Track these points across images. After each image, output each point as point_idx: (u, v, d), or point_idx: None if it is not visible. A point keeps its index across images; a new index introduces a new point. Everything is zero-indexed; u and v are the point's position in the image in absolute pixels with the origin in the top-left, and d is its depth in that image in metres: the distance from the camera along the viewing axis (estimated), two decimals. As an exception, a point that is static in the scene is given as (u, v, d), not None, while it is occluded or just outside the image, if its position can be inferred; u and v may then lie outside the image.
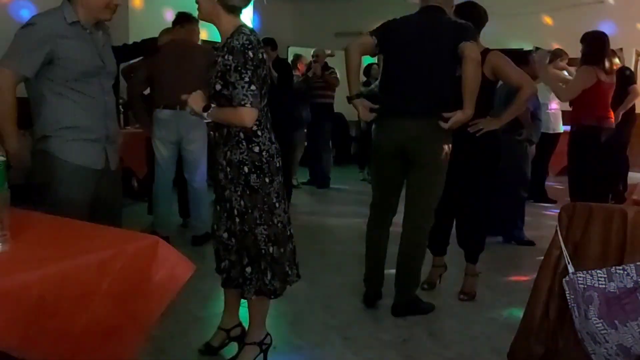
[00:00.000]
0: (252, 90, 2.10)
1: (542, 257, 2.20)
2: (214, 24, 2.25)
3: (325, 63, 7.18)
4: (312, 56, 7.17)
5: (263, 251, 2.27)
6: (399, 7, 3.10)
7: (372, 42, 2.98)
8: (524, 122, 4.42)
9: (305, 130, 7.16)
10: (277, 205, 2.28)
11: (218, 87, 2.19)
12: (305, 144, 7.39)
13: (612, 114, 4.68)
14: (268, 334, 2.49)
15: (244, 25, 2.23)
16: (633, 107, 5.89)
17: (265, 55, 2.21)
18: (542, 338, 2.19)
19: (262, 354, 2.46)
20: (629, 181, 5.93)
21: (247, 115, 2.12)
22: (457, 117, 2.84)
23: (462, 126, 2.98)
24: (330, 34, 10.49)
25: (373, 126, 3.28)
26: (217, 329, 2.57)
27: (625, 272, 1.94)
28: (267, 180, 2.24)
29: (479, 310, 3.21)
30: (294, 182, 7.06)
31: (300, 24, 10.80)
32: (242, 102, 2.10)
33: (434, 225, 3.37)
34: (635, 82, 5.77)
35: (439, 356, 2.64)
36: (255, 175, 2.22)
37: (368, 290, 3.22)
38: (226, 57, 2.15)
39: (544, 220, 5.33)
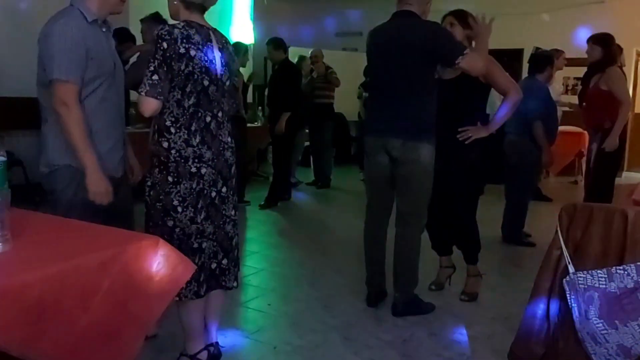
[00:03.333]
0: (152, 80, 2.05)
1: (543, 258, 2.21)
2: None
3: (323, 63, 7.20)
4: (311, 57, 7.18)
5: None
6: (399, 7, 3.09)
7: None
8: (538, 139, 4.40)
9: (307, 131, 7.17)
10: (178, 209, 2.15)
11: None
12: (307, 144, 7.39)
13: None
14: (207, 348, 2.36)
15: (193, 21, 2.14)
16: None
17: (195, 52, 2.08)
18: (542, 338, 2.19)
19: None
20: (629, 181, 5.92)
21: (142, 103, 2.07)
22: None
23: (449, 131, 3.06)
24: (331, 34, 10.51)
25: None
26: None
27: (626, 272, 1.94)
28: (169, 179, 2.14)
29: (479, 311, 3.21)
30: (293, 180, 7.07)
31: (301, 24, 10.81)
32: (139, 90, 2.06)
33: (432, 226, 3.36)
34: None
35: (439, 356, 2.64)
36: (157, 169, 2.17)
37: (370, 291, 3.23)
38: None
39: (544, 221, 5.32)
